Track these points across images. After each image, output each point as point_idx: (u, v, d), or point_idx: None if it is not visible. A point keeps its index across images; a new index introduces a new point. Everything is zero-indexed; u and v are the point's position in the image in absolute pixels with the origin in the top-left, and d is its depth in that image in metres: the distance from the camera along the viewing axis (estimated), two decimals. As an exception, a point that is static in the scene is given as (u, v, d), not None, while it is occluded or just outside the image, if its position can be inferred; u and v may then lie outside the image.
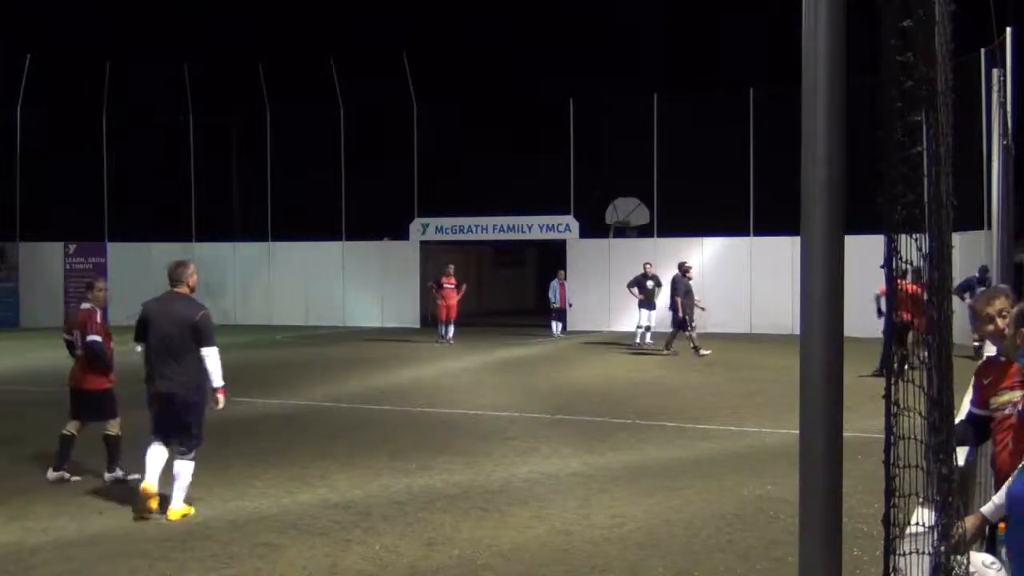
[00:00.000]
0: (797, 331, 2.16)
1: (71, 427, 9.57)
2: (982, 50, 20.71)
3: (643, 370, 18.86)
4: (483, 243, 33.05)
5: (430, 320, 31.13)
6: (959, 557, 3.15)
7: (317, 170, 31.89)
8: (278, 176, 32.18)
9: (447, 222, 30.50)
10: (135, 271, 30.93)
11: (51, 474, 9.41)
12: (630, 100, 28.72)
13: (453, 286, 24.72)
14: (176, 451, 8.28)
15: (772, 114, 25.53)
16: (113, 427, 9.55)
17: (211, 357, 8.31)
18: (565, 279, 27.46)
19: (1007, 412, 4.32)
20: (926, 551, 2.85)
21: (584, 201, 29.47)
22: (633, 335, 23.61)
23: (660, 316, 23.23)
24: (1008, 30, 15.37)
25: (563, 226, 29.27)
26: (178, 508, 8.09)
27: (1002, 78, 14.04)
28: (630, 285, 23.74)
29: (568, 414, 13.35)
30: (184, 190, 32.07)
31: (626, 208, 29.84)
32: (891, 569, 2.52)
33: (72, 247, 30.71)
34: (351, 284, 30.74)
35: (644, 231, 29.36)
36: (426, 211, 30.57)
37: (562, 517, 8.07)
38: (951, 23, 3.20)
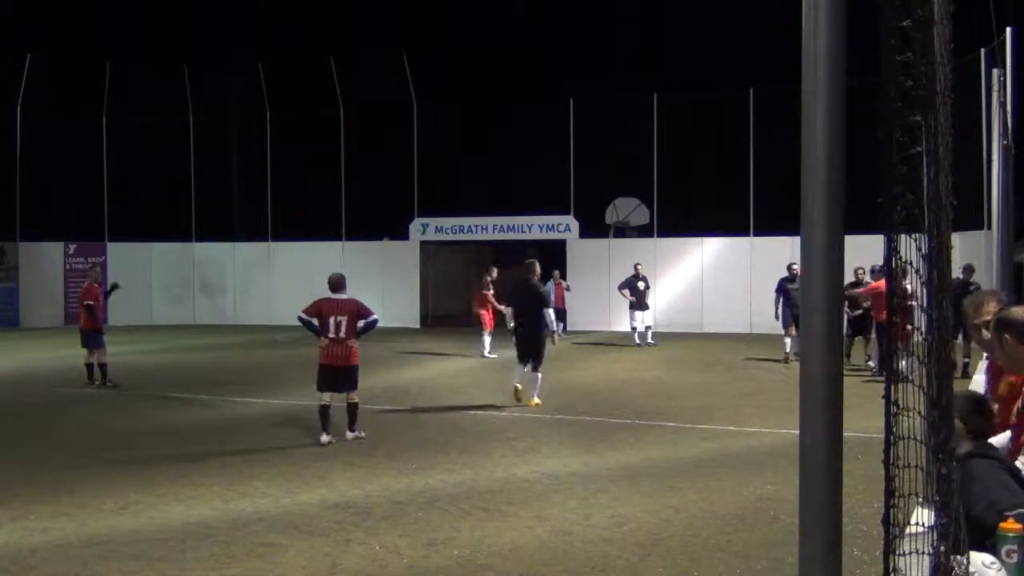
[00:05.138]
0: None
1: (326, 397, 11.39)
2: (982, 50, 20.71)
3: (643, 370, 18.86)
4: (483, 243, 33.03)
5: (429, 321, 31.21)
6: (959, 557, 3.15)
7: (317, 170, 31.88)
8: (278, 176, 32.17)
9: (447, 222, 30.48)
10: (135, 271, 30.98)
11: (323, 438, 11.15)
12: (630, 100, 28.72)
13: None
14: (531, 367, 13.96)
15: (772, 114, 25.53)
16: (355, 396, 11.56)
17: (548, 313, 14.09)
18: (562, 279, 27.10)
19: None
20: (926, 551, 2.85)
21: (584, 201, 29.46)
22: (632, 337, 23.62)
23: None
24: (1008, 30, 15.36)
25: (563, 226, 29.25)
26: (533, 399, 13.90)
27: (1002, 78, 14.04)
28: (621, 287, 23.76)
29: (568, 414, 13.35)
30: (184, 190, 32.07)
31: (626, 208, 29.83)
32: (891, 569, 2.52)
33: (72, 247, 30.70)
34: (351, 284, 30.29)
35: (644, 231, 29.36)
36: (426, 211, 30.56)
37: (562, 517, 8.07)
38: (951, 23, 3.19)
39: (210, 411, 13.96)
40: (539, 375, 14.09)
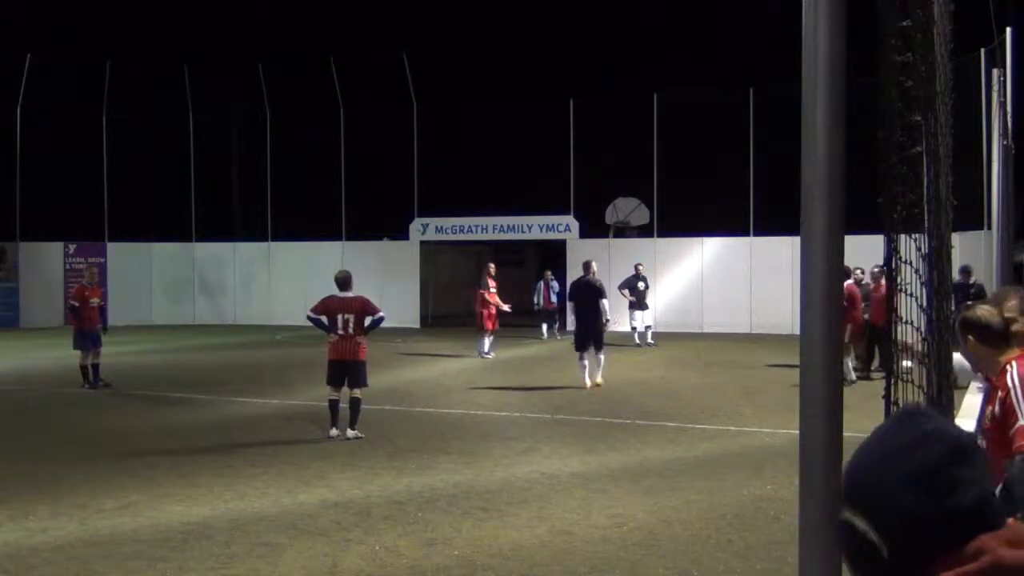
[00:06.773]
0: (797, 331, 2.16)
1: (335, 394, 11.72)
2: (982, 50, 20.71)
3: (643, 370, 18.85)
4: (483, 243, 33.02)
5: (429, 321, 31.17)
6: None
7: (317, 170, 31.87)
8: (278, 176, 32.16)
9: (447, 222, 30.47)
10: (135, 271, 31.00)
11: (333, 432, 11.52)
12: (630, 100, 28.71)
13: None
14: (595, 350, 15.70)
15: (772, 114, 25.51)
16: (360, 392, 11.74)
17: (604, 304, 15.75)
18: (553, 279, 26.51)
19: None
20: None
21: (584, 201, 29.41)
22: (632, 337, 23.59)
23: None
24: (1008, 30, 15.35)
25: (563, 226, 29.23)
26: (597, 379, 15.70)
27: (1002, 78, 14.02)
28: (621, 287, 23.68)
29: (568, 414, 13.35)
30: (184, 190, 32.06)
31: (626, 208, 29.81)
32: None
33: (72, 247, 30.67)
34: (351, 284, 30.65)
35: (644, 231, 29.35)
36: (426, 211, 30.54)
37: (562, 517, 8.07)
38: (951, 23, 3.20)
39: (210, 411, 13.96)
40: (602, 357, 15.87)
